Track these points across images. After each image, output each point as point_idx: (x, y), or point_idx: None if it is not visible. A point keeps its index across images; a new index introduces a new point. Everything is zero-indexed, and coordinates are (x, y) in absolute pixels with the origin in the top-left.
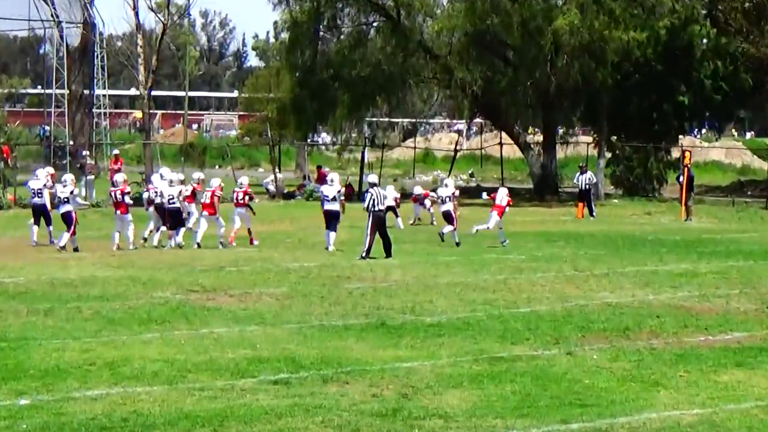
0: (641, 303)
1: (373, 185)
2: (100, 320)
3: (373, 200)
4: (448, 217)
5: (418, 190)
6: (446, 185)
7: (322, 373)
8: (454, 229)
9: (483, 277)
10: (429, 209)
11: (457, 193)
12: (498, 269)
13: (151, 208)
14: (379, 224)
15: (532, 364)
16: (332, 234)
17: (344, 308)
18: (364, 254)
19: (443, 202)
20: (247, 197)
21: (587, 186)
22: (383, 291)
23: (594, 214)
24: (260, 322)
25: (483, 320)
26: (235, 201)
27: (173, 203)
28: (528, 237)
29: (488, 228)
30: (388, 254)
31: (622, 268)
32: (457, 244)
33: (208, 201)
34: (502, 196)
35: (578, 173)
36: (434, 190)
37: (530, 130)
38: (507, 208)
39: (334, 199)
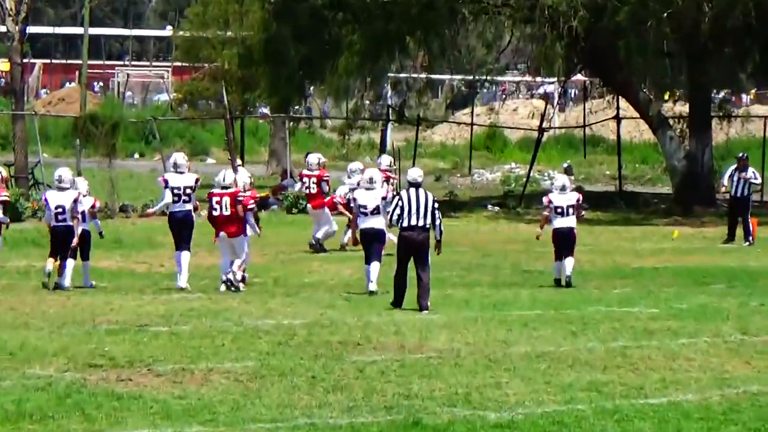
0: None
1: (413, 185)
2: None
3: (404, 211)
4: (565, 239)
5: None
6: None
7: None
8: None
9: (586, 344)
10: None
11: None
12: (611, 331)
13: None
14: (413, 251)
15: None
16: (375, 266)
17: (351, 396)
18: (391, 300)
19: (563, 213)
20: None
21: (745, 190)
22: (417, 367)
23: (752, 237)
24: (209, 420)
25: (586, 417)
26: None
27: (64, 220)
28: (664, 276)
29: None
30: (423, 305)
31: None
32: (566, 283)
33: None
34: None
35: (732, 169)
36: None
37: (667, 95)
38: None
39: (376, 211)
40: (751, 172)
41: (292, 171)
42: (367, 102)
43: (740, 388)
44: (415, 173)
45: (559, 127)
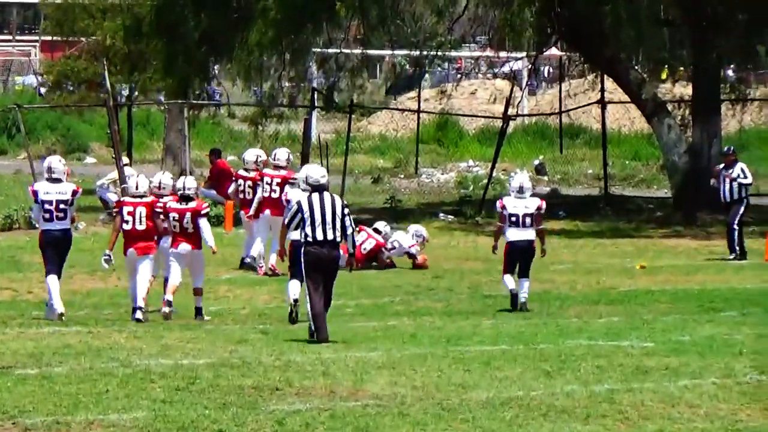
0: None
1: (316, 189)
2: None
3: (306, 222)
4: (520, 256)
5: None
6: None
7: None
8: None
9: (564, 387)
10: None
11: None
12: (595, 371)
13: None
14: (323, 271)
15: None
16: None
17: None
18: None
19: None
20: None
21: (734, 193)
22: (350, 418)
23: (737, 248)
24: None
25: None
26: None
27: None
28: (661, 302)
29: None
30: (318, 335)
31: None
32: (521, 308)
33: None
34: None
35: (720, 168)
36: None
37: (665, 74)
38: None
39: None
40: (738, 169)
41: (193, 171)
42: (287, 84)
43: None
44: (316, 173)
45: (529, 115)
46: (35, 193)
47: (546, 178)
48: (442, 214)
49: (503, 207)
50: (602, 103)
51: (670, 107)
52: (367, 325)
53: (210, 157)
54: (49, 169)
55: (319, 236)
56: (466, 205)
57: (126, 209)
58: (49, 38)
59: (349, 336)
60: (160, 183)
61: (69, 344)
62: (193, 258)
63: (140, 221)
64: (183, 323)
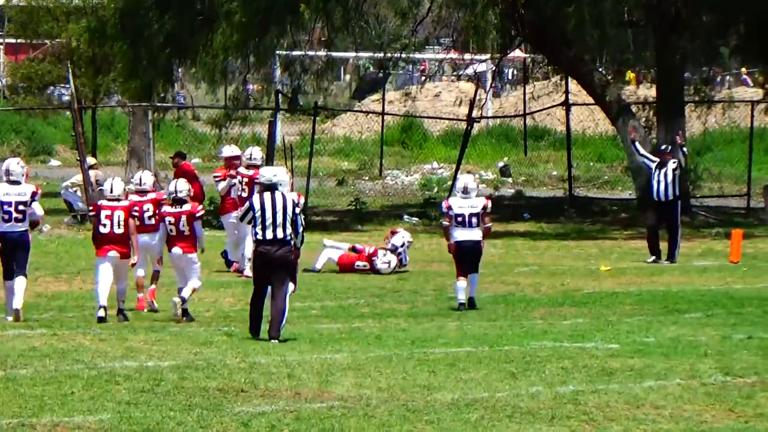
0: None
1: (267, 188)
2: None
3: (257, 220)
4: (468, 256)
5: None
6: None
7: None
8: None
9: (529, 388)
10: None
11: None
12: (560, 372)
13: None
14: (270, 269)
15: None
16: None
17: None
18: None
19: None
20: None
21: (671, 190)
22: (315, 420)
23: (675, 254)
24: None
25: None
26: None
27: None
28: (626, 303)
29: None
30: (272, 334)
31: None
32: (469, 305)
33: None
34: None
35: (653, 166)
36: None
37: (630, 75)
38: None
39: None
40: (671, 163)
41: (157, 173)
42: (251, 87)
43: None
44: (268, 173)
45: (494, 117)
46: None
47: (510, 180)
48: (406, 216)
49: (449, 207)
50: (566, 105)
51: (634, 109)
52: (332, 327)
53: (174, 160)
54: (7, 172)
55: (269, 235)
56: (431, 207)
57: (104, 213)
58: (13, 41)
59: (314, 338)
60: (140, 180)
61: (34, 347)
62: (186, 261)
63: (118, 225)
64: (147, 326)
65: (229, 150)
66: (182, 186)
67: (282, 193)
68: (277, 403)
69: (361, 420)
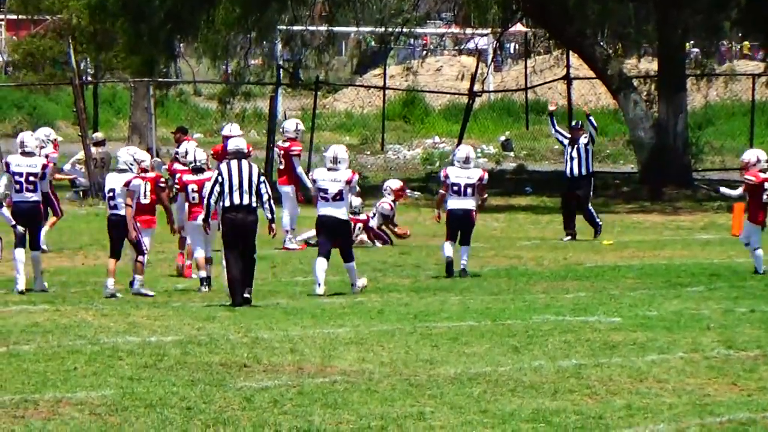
0: None
1: (234, 157)
2: None
3: (224, 188)
4: (459, 225)
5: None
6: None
7: None
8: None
9: (532, 362)
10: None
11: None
12: (563, 346)
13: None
14: (239, 235)
15: None
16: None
17: None
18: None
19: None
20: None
21: (583, 166)
22: (318, 394)
23: (598, 227)
24: None
25: None
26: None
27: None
28: (628, 277)
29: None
30: (245, 298)
31: None
32: (460, 275)
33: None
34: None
35: (566, 142)
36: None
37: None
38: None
39: (339, 197)
40: (582, 138)
41: (158, 149)
42: (253, 62)
43: (724, 416)
44: (237, 143)
45: (495, 91)
46: (8, 165)
47: (512, 154)
48: (408, 191)
49: (446, 176)
50: (568, 79)
51: (635, 83)
52: (335, 302)
53: (176, 135)
54: (22, 144)
55: (236, 201)
56: (433, 182)
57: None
58: (14, 17)
59: (316, 312)
60: (186, 152)
61: (36, 322)
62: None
63: (144, 195)
64: (149, 301)
65: (228, 129)
66: (201, 155)
67: (249, 163)
68: (280, 378)
69: (363, 394)
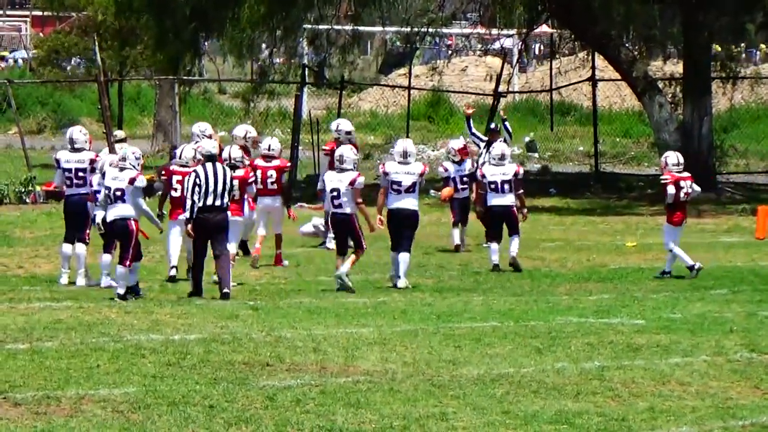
0: None
1: (208, 159)
2: None
3: (200, 189)
4: (503, 220)
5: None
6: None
7: None
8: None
9: (554, 364)
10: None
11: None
12: (586, 348)
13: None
14: (209, 234)
15: None
16: (405, 258)
17: (259, 430)
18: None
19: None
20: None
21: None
22: (341, 394)
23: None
24: None
25: None
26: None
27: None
28: (651, 279)
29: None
30: (225, 293)
31: None
32: (511, 265)
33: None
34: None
35: (482, 146)
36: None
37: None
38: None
39: (412, 188)
40: (498, 142)
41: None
42: (278, 61)
43: (747, 420)
44: (209, 145)
45: (520, 92)
46: (57, 161)
47: (537, 155)
48: (432, 191)
49: (483, 175)
50: (593, 80)
51: (660, 85)
52: (358, 302)
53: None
54: (71, 140)
55: (209, 202)
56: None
57: (175, 178)
58: (39, 13)
59: (339, 312)
60: (269, 147)
61: (60, 319)
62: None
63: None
64: (173, 299)
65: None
66: (236, 153)
67: (223, 166)
68: (303, 377)
69: (386, 394)
